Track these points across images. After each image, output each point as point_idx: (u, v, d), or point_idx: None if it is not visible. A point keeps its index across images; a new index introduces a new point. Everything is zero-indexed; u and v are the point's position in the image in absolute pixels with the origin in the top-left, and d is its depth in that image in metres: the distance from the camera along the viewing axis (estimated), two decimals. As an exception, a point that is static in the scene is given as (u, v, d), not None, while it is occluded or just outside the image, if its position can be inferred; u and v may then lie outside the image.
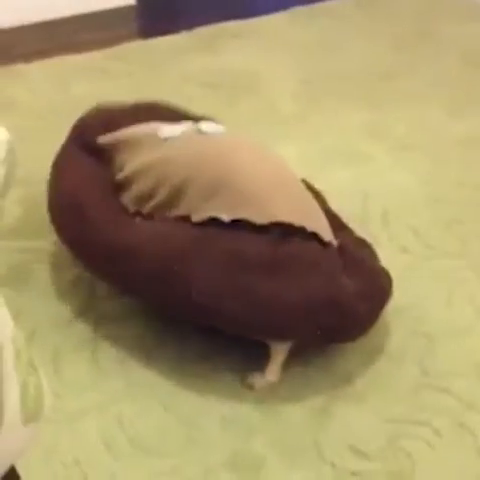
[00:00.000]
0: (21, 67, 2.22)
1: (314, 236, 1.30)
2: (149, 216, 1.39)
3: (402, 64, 2.22)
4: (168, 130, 1.45)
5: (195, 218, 1.32)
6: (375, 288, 1.33)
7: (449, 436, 1.25)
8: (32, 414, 0.85)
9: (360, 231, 1.46)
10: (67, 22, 2.48)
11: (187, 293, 1.28)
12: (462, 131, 1.94)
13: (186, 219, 1.34)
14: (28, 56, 2.26)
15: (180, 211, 1.35)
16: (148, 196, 1.40)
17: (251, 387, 1.33)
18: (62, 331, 1.44)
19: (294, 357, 1.37)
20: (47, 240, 1.64)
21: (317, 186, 1.73)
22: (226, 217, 1.29)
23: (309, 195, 1.40)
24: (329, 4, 2.55)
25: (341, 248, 1.33)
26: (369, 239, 1.47)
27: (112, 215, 1.41)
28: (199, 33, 2.39)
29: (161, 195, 1.38)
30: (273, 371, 1.33)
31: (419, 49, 2.29)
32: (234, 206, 1.30)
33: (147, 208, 1.40)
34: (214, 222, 1.30)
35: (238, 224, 1.29)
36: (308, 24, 2.41)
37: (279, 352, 1.32)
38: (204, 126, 1.46)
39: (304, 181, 1.48)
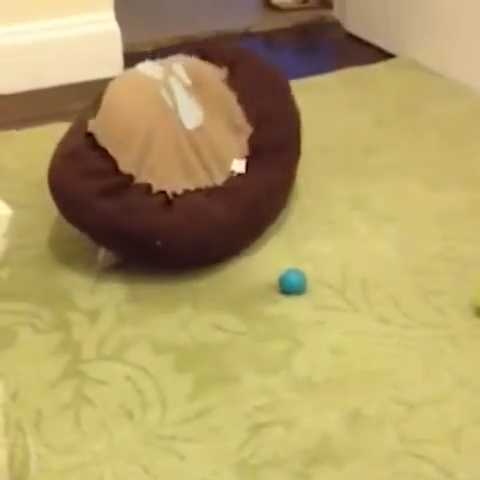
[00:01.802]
0: (12, 133, 2.27)
1: None
2: None
3: (383, 139, 2.28)
4: None
5: None
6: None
7: (426, 503, 1.27)
8: (19, 478, 0.87)
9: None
10: (58, 91, 2.54)
11: None
12: (440, 205, 1.99)
13: None
14: (19, 123, 2.31)
15: None
16: None
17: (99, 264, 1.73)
18: (45, 393, 1.45)
19: (274, 421, 1.39)
20: (32, 302, 1.66)
21: (299, 254, 1.79)
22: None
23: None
24: (313, 79, 2.62)
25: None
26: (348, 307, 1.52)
27: None
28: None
29: None
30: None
31: (400, 125, 2.35)
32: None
33: None
34: None
35: None
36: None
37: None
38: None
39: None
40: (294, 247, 1.83)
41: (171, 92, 1.72)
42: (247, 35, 2.97)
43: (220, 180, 1.72)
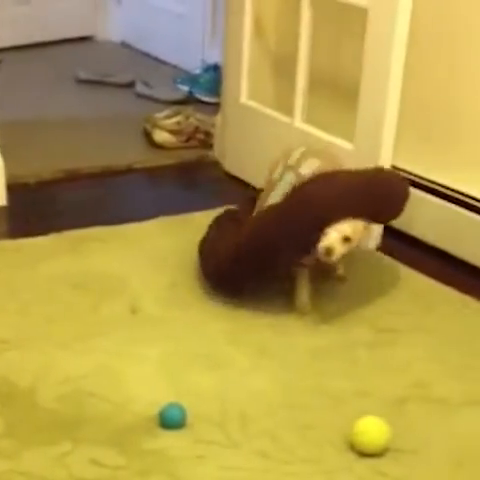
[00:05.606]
0: None
1: None
2: None
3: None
4: None
5: None
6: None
7: None
8: None
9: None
10: None
11: None
12: (314, 341, 2.06)
13: None
14: None
15: None
16: None
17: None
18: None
19: None
20: None
21: (178, 389, 1.80)
22: None
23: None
24: (196, 214, 2.65)
25: None
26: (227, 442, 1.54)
27: None
28: (67, 236, 2.47)
29: None
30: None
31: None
32: None
33: None
34: None
35: None
36: (176, 232, 2.53)
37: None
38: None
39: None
40: (174, 380, 1.85)
41: (280, 179, 2.22)
42: (130, 171, 3.04)
43: None
